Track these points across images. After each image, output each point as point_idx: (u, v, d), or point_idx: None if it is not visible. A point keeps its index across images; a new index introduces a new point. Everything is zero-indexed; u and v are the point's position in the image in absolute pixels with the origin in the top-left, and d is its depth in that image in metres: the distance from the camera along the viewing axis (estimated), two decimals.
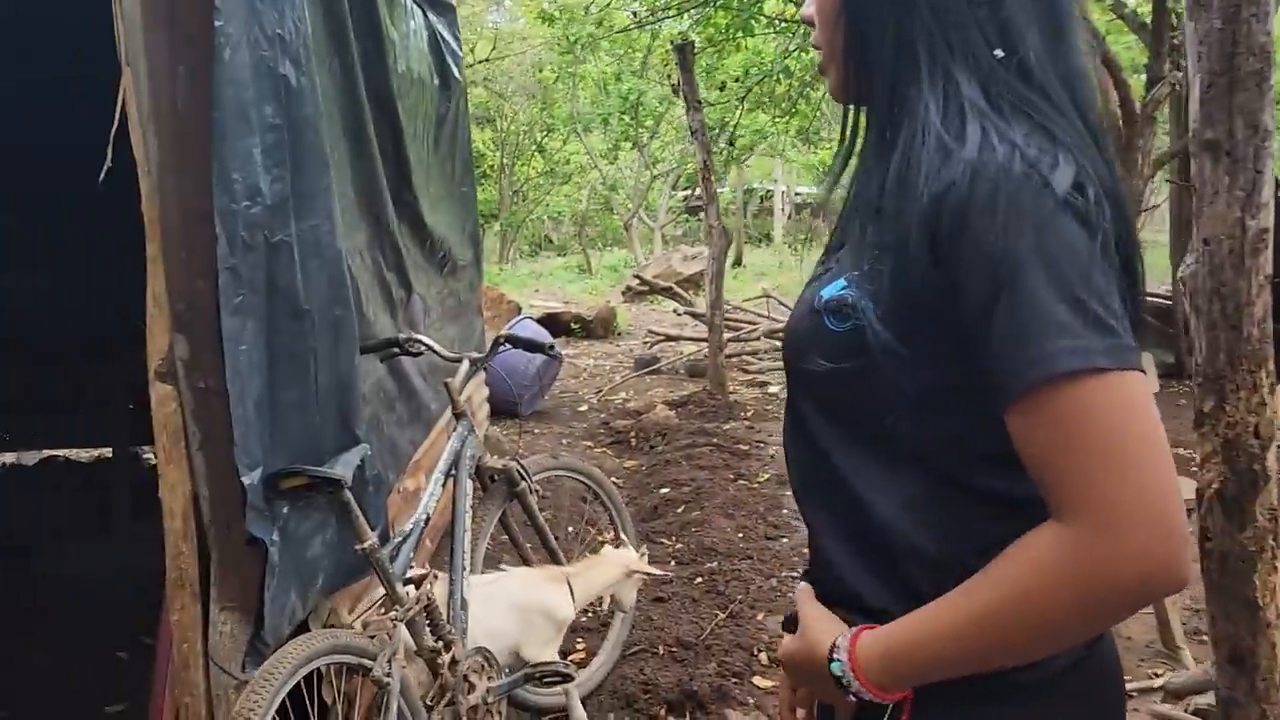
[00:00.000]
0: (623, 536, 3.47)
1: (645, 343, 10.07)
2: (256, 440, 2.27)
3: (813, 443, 1.12)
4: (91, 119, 2.17)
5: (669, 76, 9.81)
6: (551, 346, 3.07)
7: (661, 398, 7.44)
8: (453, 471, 2.95)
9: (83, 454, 5.85)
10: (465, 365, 3.11)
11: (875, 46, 1.03)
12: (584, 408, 7.69)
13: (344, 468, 2.41)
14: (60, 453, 5.81)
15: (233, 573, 2.39)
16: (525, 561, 3.26)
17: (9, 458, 5.77)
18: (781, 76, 8.24)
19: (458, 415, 3.06)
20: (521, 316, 7.73)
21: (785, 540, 4.54)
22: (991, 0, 0.99)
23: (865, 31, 1.04)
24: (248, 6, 2.16)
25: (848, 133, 1.13)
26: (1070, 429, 0.89)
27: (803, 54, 7.91)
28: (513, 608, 2.89)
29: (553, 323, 9.99)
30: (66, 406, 5.45)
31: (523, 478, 3.16)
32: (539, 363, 6.91)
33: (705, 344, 8.17)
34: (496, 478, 3.16)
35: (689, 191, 20.73)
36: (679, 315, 10.13)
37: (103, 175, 2.21)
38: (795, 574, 4.17)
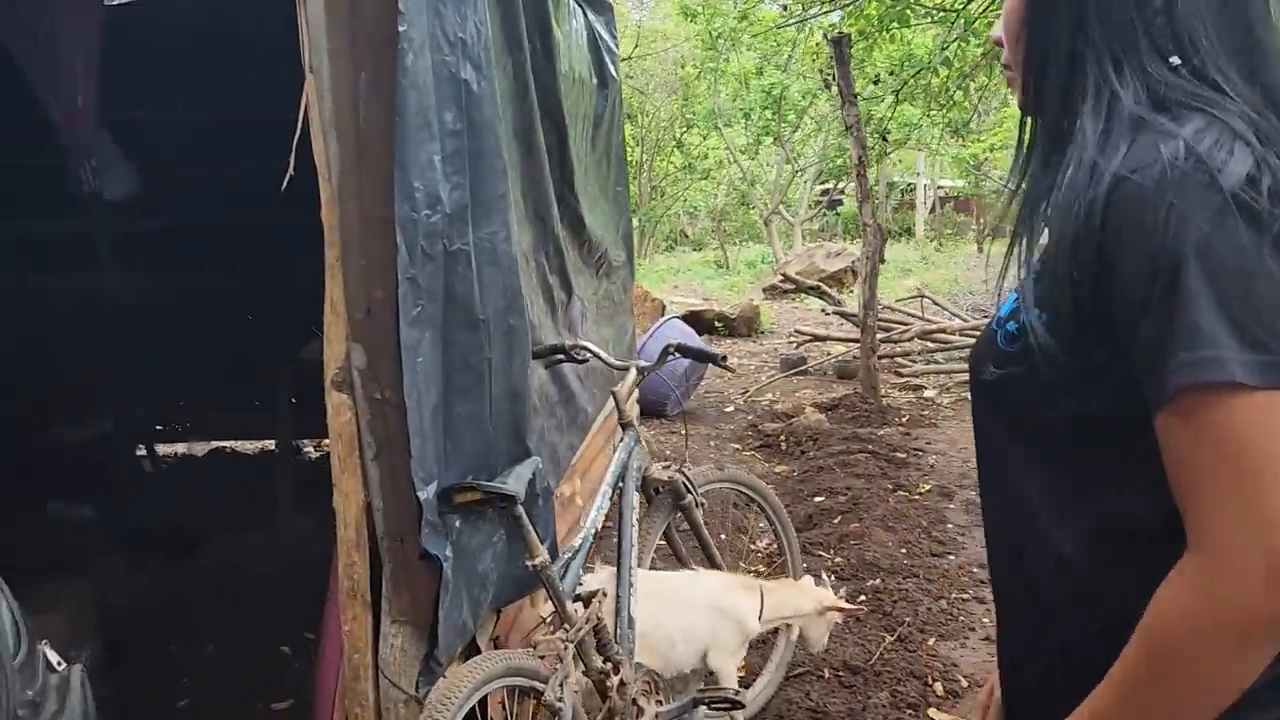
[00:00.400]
0: (789, 557, 3.32)
1: (791, 342, 9.85)
2: (432, 454, 2.22)
3: (1001, 466, 1.14)
4: (279, 124, 2.15)
5: (821, 70, 9.55)
6: (724, 357, 2.94)
7: (810, 400, 7.24)
8: (619, 484, 2.86)
9: (247, 446, 6.05)
10: (633, 374, 3.01)
11: (1051, 63, 1.06)
12: (730, 408, 7.55)
13: (516, 482, 2.34)
14: (227, 444, 6.01)
15: (405, 586, 2.36)
16: None
17: (181, 448, 6.01)
18: (940, 68, 7.89)
19: (624, 425, 2.97)
20: (668, 316, 7.64)
21: (952, 558, 4.30)
22: (1168, 8, 0.99)
23: (1043, 48, 1.07)
24: (430, 9, 2.11)
25: (1024, 145, 1.14)
26: (1198, 445, 0.88)
27: (963, 45, 7.57)
28: (710, 608, 2.77)
29: (695, 320, 9.87)
30: (237, 400, 5.65)
31: (688, 490, 3.06)
32: (686, 362, 6.81)
33: (855, 344, 7.92)
34: (661, 489, 3.06)
35: (831, 185, 20.30)
36: (827, 314, 9.87)
37: (285, 182, 2.20)
38: (965, 595, 3.95)
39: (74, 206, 5.07)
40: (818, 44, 9.92)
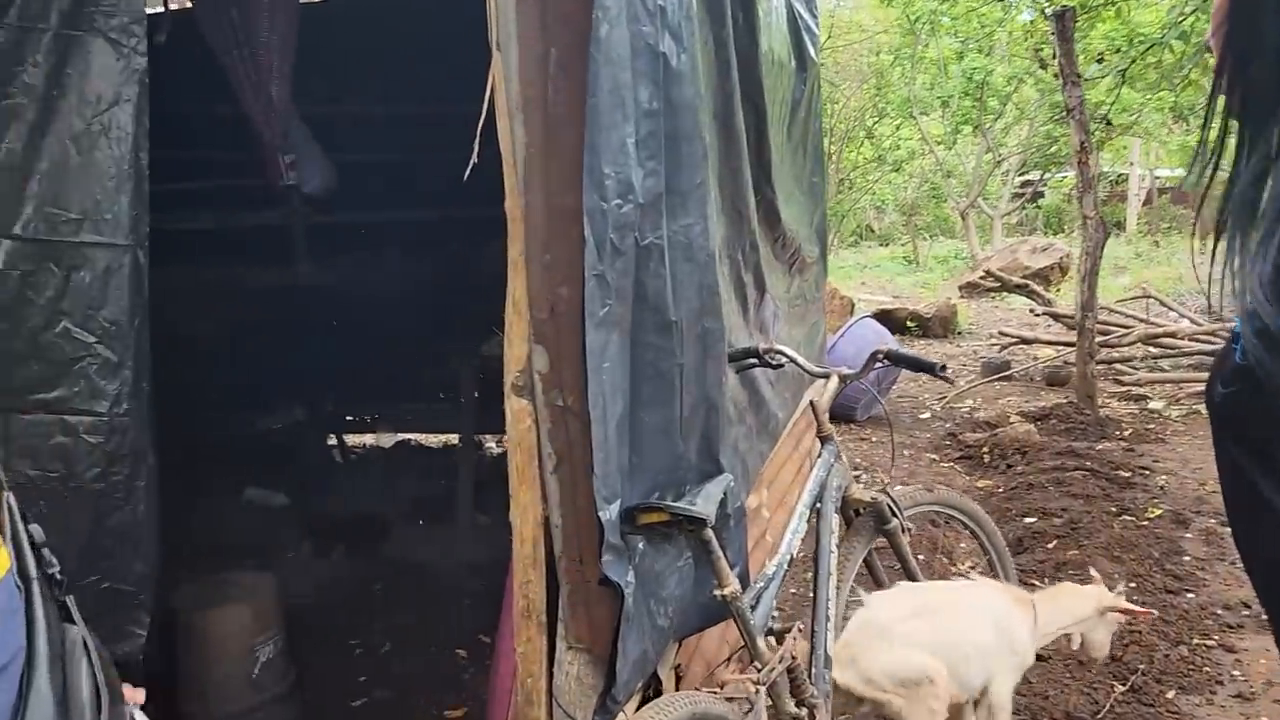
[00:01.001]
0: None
1: (993, 344, 9.22)
2: (616, 470, 2.01)
3: (1252, 492, 1.03)
4: (469, 115, 1.98)
5: (1037, 49, 8.87)
6: (943, 366, 2.60)
7: (1016, 408, 6.69)
8: (817, 504, 2.58)
9: (432, 439, 6.07)
10: (834, 382, 2.72)
11: (1255, 60, 1.01)
12: (926, 415, 7.08)
13: (706, 502, 2.10)
14: (412, 436, 6.06)
15: (583, 610, 2.17)
16: None
17: (368, 439, 6.10)
18: (1175, 43, 7.11)
19: (823, 439, 2.69)
20: (860, 315, 7.24)
21: (1192, 596, 3.78)
22: None
23: (1247, 47, 1.03)
24: None
25: (1216, 144, 1.09)
26: None
27: (1201, 15, 6.78)
28: (995, 625, 2.43)
29: (887, 319, 9.39)
30: (423, 393, 5.68)
31: (894, 513, 2.74)
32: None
33: (1067, 348, 7.29)
34: (863, 511, 2.76)
35: (1039, 176, 19.08)
36: (1036, 315, 9.16)
37: (468, 171, 2.04)
38: (1210, 641, 3.44)
39: (271, 200, 5.18)
40: (1030, 23, 9.23)
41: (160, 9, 4.10)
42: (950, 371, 8.44)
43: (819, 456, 2.66)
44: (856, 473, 2.79)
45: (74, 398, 2.54)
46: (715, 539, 2.11)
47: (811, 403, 2.67)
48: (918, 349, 9.39)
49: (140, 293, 2.48)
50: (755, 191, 3.16)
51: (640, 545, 2.12)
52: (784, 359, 2.75)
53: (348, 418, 5.99)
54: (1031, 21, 9.35)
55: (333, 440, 5.74)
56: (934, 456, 6.00)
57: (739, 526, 2.37)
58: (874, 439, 6.33)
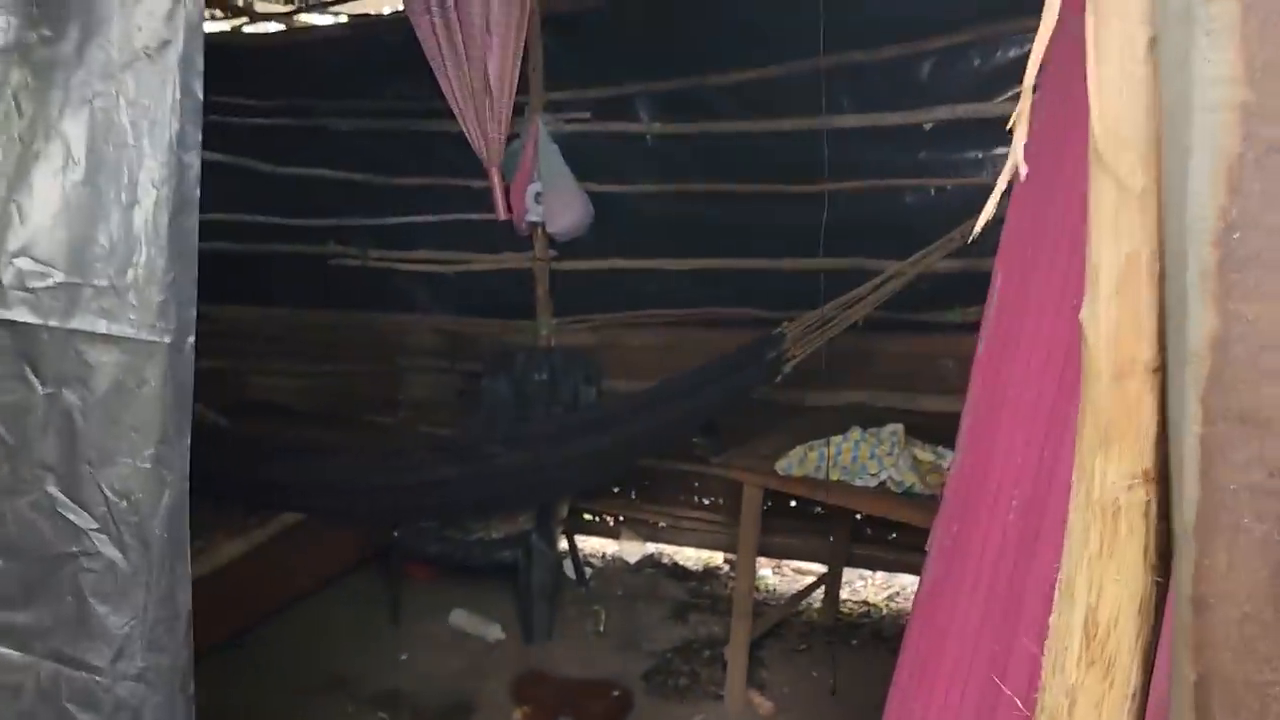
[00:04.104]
0: None
1: None
2: None
3: None
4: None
5: None
6: None
7: None
8: None
9: (688, 556, 4.70)
10: None
11: None
12: None
13: None
14: (663, 549, 4.71)
15: None
16: None
17: (610, 547, 4.81)
18: None
19: None
20: None
21: None
22: None
23: None
24: None
25: None
26: None
27: None
28: None
29: None
30: (681, 499, 4.40)
31: None
32: None
33: None
34: None
35: None
36: None
37: (978, 226, 0.63)
38: None
39: (510, 240, 4.12)
40: None
41: None
42: None
43: None
44: None
45: (56, 631, 1.34)
46: None
47: None
48: None
49: (178, 439, 1.23)
50: None
51: None
52: None
53: (585, 516, 4.76)
54: None
55: (564, 544, 4.48)
56: None
57: None
58: None
